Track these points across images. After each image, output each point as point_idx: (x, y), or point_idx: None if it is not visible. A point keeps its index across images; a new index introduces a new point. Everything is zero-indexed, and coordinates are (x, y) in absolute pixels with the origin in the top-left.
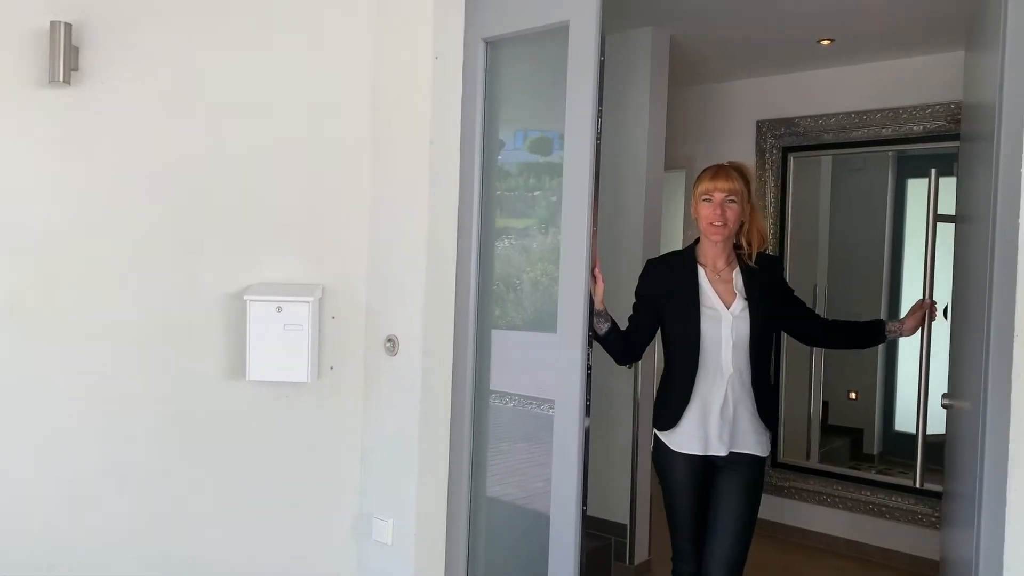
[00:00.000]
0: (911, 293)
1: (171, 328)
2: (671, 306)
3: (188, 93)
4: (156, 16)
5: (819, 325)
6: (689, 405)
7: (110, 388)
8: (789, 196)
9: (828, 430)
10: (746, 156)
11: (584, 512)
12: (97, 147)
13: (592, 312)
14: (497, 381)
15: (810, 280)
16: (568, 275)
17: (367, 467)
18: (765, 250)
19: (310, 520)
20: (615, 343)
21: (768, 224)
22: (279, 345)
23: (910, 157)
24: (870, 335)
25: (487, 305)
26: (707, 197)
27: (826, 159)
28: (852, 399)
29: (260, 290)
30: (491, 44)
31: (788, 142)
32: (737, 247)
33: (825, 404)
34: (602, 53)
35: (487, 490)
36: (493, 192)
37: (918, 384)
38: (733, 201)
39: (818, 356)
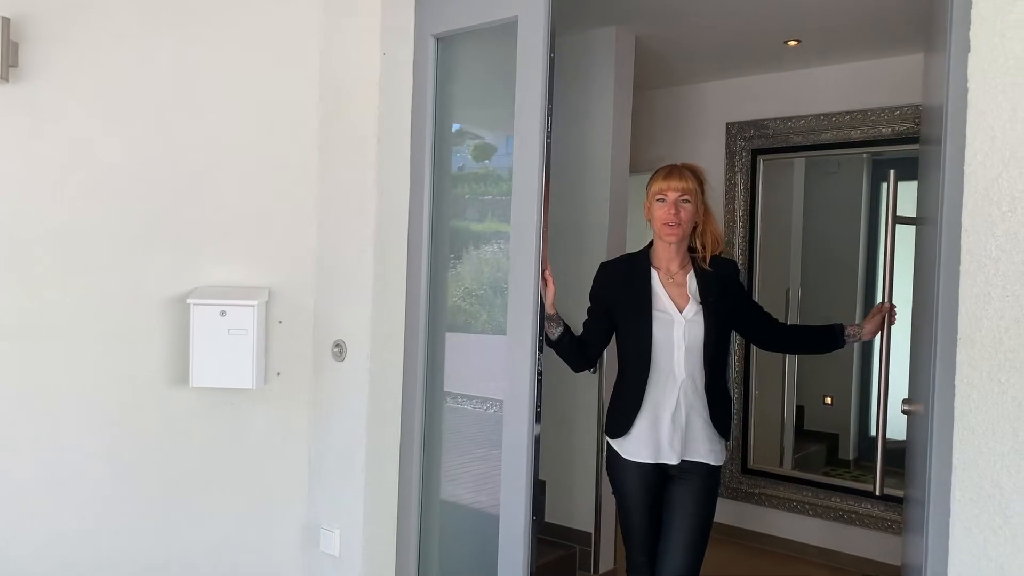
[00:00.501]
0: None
1: (113, 332)
2: (623, 309)
3: (132, 90)
4: (99, 11)
5: (776, 329)
6: (640, 411)
7: (48, 393)
8: (759, 199)
9: (804, 435)
10: (716, 159)
11: (536, 518)
12: (36, 145)
13: (543, 316)
14: (452, 383)
15: (782, 285)
16: (518, 277)
17: (315, 476)
18: (720, 253)
19: (257, 531)
20: (568, 348)
21: (738, 228)
22: (223, 350)
23: (885, 161)
24: (828, 340)
25: (440, 308)
26: (661, 197)
27: (799, 162)
28: (827, 404)
29: (204, 293)
30: (442, 40)
31: (758, 144)
32: (692, 250)
33: (800, 409)
34: (552, 50)
35: (442, 494)
36: (446, 192)
37: (877, 389)
38: (687, 201)
39: (791, 360)
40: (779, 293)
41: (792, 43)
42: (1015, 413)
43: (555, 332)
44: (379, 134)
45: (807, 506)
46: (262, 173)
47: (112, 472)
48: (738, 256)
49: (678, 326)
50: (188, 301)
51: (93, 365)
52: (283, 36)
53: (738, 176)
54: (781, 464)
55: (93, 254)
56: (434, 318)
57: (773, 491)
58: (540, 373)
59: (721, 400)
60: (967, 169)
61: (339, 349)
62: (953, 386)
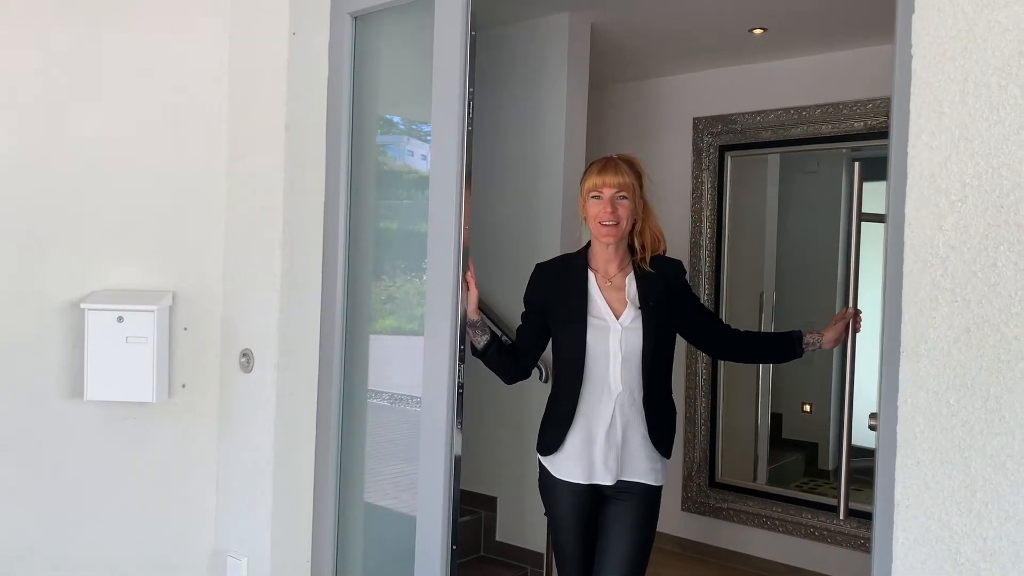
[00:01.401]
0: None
1: (3, 339)
2: (557, 315)
3: (28, 77)
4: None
5: (727, 336)
6: (572, 427)
7: None
8: (727, 198)
9: (781, 445)
10: (683, 155)
11: (456, 547)
12: None
13: (464, 323)
14: (382, 383)
15: (755, 288)
16: (436, 280)
17: (223, 499)
18: (663, 251)
19: (161, 560)
20: (497, 358)
21: (705, 228)
22: (121, 360)
23: (866, 159)
24: (785, 348)
25: (362, 310)
26: (596, 194)
27: (773, 158)
28: (806, 412)
29: (100, 297)
30: (360, 19)
31: (725, 140)
32: (632, 249)
33: (778, 417)
34: (474, 28)
35: (368, 502)
36: (368, 187)
37: (842, 403)
38: (624, 197)
39: (766, 366)
40: (752, 297)
41: (758, 31)
42: (966, 440)
43: (481, 341)
44: (288, 123)
45: (777, 522)
46: (168, 167)
47: (4, 494)
48: (705, 258)
49: (614, 334)
50: (82, 306)
51: None
52: (191, 18)
53: (705, 174)
54: (755, 476)
55: None
56: (355, 321)
57: (742, 506)
58: (461, 386)
59: (662, 415)
60: (911, 151)
61: (246, 359)
62: (896, 408)
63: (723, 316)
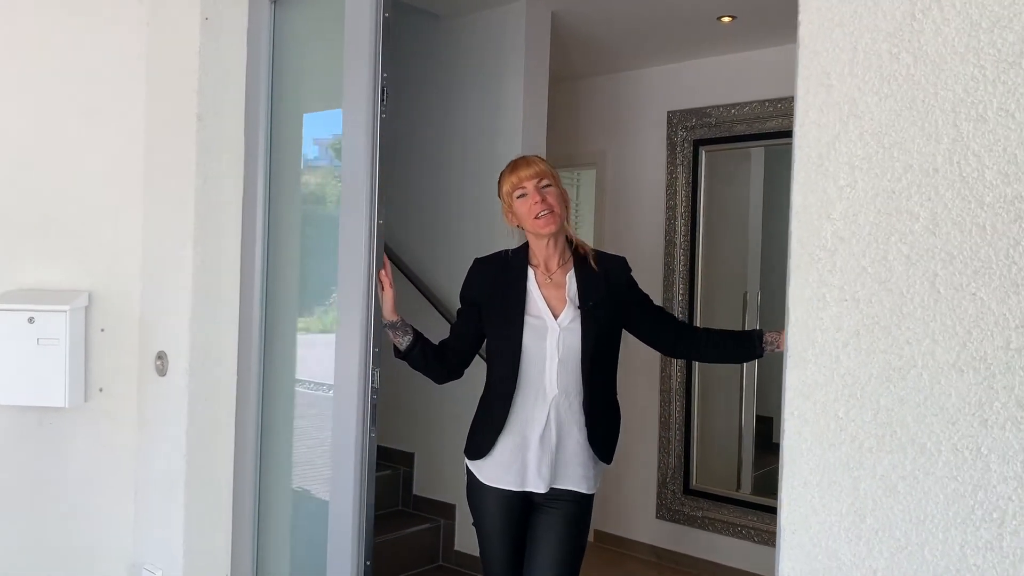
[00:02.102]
0: None
1: None
2: (493, 313)
3: None
4: None
5: (682, 334)
6: (504, 430)
7: None
8: (701, 194)
9: (771, 448)
10: (657, 150)
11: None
12: None
13: (378, 323)
14: (312, 375)
15: (738, 288)
16: (347, 275)
17: (140, 508)
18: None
19: (77, 571)
20: (421, 359)
21: (680, 225)
22: (32, 363)
23: None
24: (744, 347)
25: (287, 305)
26: (520, 191)
27: (757, 152)
28: None
29: (11, 298)
30: (278, 3)
31: (700, 134)
32: (571, 244)
33: (766, 420)
34: (387, 9)
35: (298, 500)
36: (290, 179)
37: None
38: (548, 185)
39: (751, 365)
40: (735, 296)
41: (726, 19)
42: (855, 458)
43: (403, 342)
44: (200, 112)
45: (753, 531)
46: (85, 160)
47: None
48: (679, 256)
49: (552, 334)
50: None
51: None
52: (106, 6)
53: (679, 169)
54: (739, 484)
55: None
56: (278, 319)
57: (717, 514)
58: (375, 390)
59: (604, 420)
60: (798, 130)
61: (161, 362)
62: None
63: (698, 316)
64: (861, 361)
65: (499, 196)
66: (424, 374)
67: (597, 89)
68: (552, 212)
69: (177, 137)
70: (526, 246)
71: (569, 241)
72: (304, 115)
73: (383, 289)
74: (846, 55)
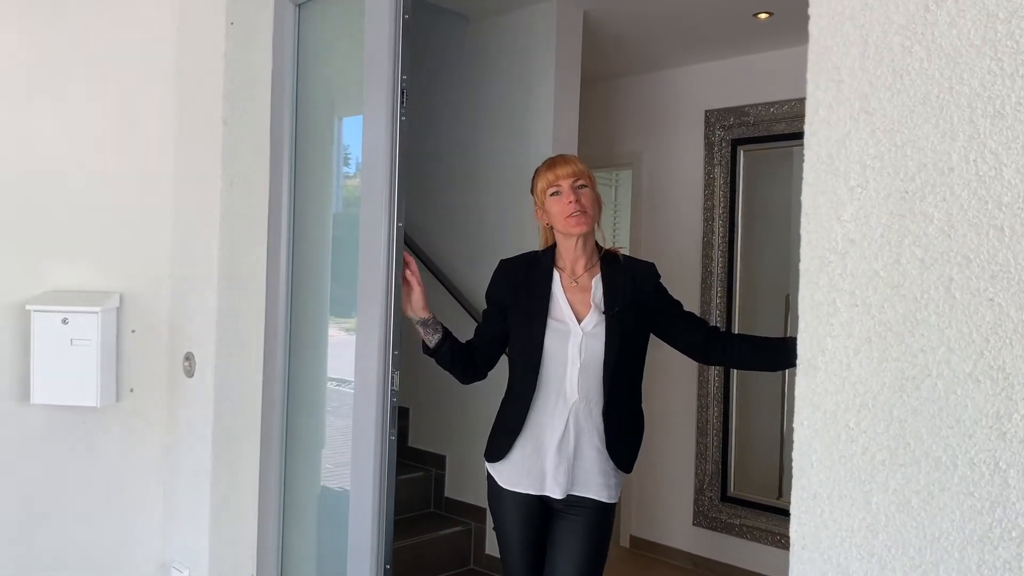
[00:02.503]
0: None
1: None
2: (516, 314)
3: None
4: None
5: (715, 340)
6: (521, 434)
7: None
8: (739, 195)
9: None
10: (696, 150)
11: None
12: None
13: (398, 323)
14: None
15: (780, 290)
16: (366, 277)
17: (169, 507)
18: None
19: (108, 569)
20: (450, 357)
21: (717, 226)
22: (66, 363)
23: None
24: (782, 355)
25: (313, 307)
26: (554, 189)
27: (799, 151)
28: None
29: (47, 299)
30: (303, 6)
31: (738, 134)
32: (610, 253)
33: None
34: (408, 11)
35: (327, 499)
36: (313, 181)
37: None
38: (584, 186)
39: (793, 370)
40: (776, 299)
41: (763, 15)
42: (867, 471)
43: (433, 339)
44: (225, 117)
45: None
46: (118, 164)
47: None
48: (717, 258)
49: (574, 339)
50: (27, 307)
51: None
52: (139, 10)
53: (717, 169)
54: (780, 492)
55: None
56: (303, 318)
57: (756, 522)
58: (395, 392)
59: (624, 428)
60: (808, 129)
61: (189, 363)
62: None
63: (737, 319)
64: (873, 369)
65: (532, 192)
66: (450, 372)
67: (633, 89)
68: (584, 213)
69: (204, 141)
70: (553, 248)
71: (598, 245)
72: (329, 118)
73: (410, 288)
74: (857, 49)
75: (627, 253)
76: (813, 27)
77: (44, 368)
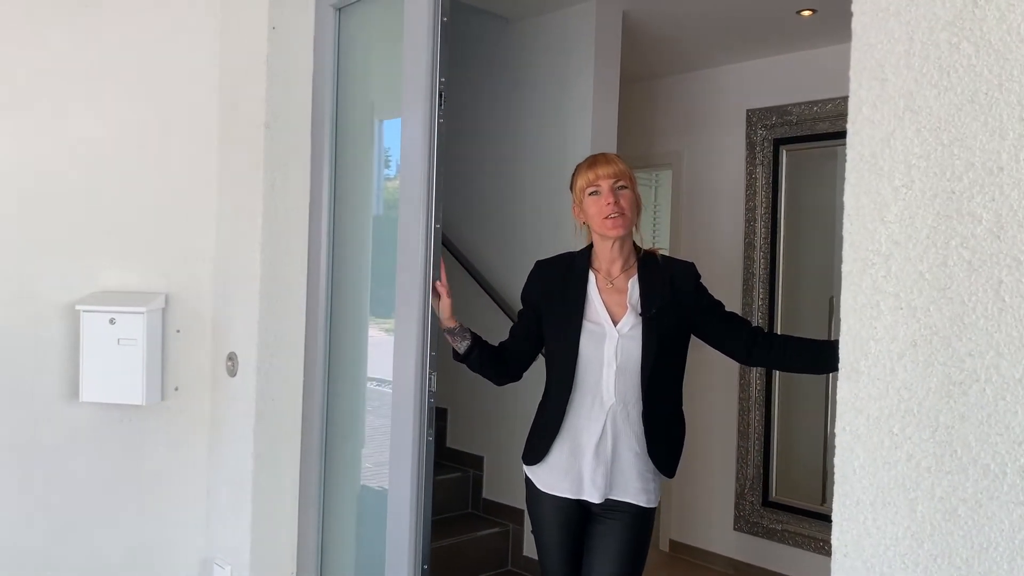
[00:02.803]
0: None
1: (5, 340)
2: (551, 316)
3: (25, 78)
4: None
5: (759, 341)
6: (558, 436)
7: None
8: (782, 195)
9: None
10: (736, 150)
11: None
12: None
13: (435, 323)
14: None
15: (824, 292)
16: (404, 278)
17: (212, 505)
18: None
19: (153, 565)
20: (481, 363)
21: (760, 227)
22: (113, 362)
23: None
24: (826, 357)
25: (354, 308)
26: (593, 189)
27: (843, 150)
28: None
29: (95, 299)
30: (343, 11)
31: (780, 133)
32: (648, 255)
33: None
34: (446, 13)
35: (367, 498)
36: (353, 183)
37: None
38: (624, 187)
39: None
40: (820, 301)
41: (806, 13)
42: (912, 479)
43: (462, 346)
44: (267, 120)
45: None
46: (162, 168)
47: (6, 495)
48: (759, 259)
49: (610, 341)
50: (77, 308)
51: None
52: (183, 17)
53: (759, 169)
54: (824, 496)
55: None
56: (342, 319)
57: (799, 528)
58: (432, 393)
59: (666, 432)
60: (851, 128)
61: (232, 363)
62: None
63: (779, 321)
64: (918, 374)
65: (571, 190)
66: (483, 376)
67: (673, 88)
68: (622, 215)
69: (246, 145)
70: (590, 249)
71: (636, 246)
72: (368, 121)
73: (439, 298)
74: (902, 46)
75: (666, 253)
76: (856, 24)
77: (92, 367)
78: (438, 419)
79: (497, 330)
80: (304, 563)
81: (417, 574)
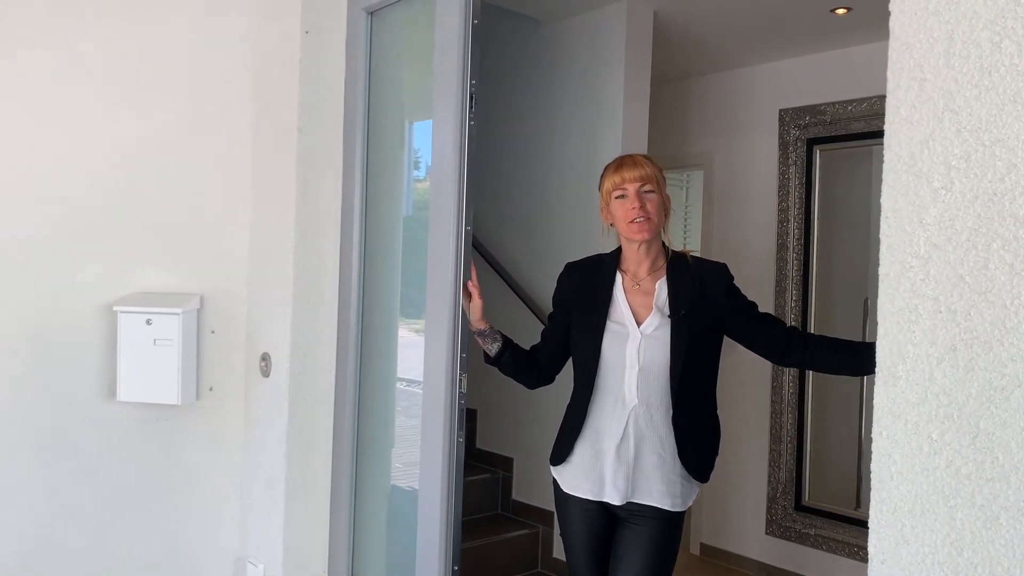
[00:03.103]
0: None
1: (45, 340)
2: (579, 317)
3: (68, 90)
4: (40, 9)
5: (792, 343)
6: (580, 437)
7: None
8: (815, 196)
9: None
10: (769, 150)
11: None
12: None
13: (465, 325)
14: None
15: (858, 294)
16: (435, 280)
17: (246, 504)
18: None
19: (188, 563)
20: (511, 365)
21: (792, 228)
22: (149, 362)
23: None
24: (862, 359)
25: (384, 310)
26: (620, 192)
27: (879, 151)
28: None
29: (132, 300)
30: (375, 15)
31: (814, 133)
32: (678, 256)
33: None
34: (477, 16)
35: (397, 500)
36: (384, 186)
37: None
38: (651, 191)
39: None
40: (854, 303)
41: (841, 11)
42: (952, 486)
43: (492, 348)
44: (300, 125)
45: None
46: (198, 170)
47: (42, 494)
48: (792, 260)
49: (632, 342)
50: (115, 308)
51: (26, 375)
52: (216, 23)
53: (792, 169)
54: (858, 501)
55: (28, 258)
56: (374, 321)
57: (833, 533)
58: (463, 395)
59: (697, 436)
60: (888, 129)
61: (265, 363)
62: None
63: (812, 322)
64: (958, 379)
65: (599, 189)
66: (515, 379)
67: (705, 88)
68: (648, 220)
69: (279, 148)
70: (619, 250)
71: (665, 247)
72: (400, 123)
73: (470, 299)
74: (941, 46)
75: (698, 255)
76: (894, 23)
77: (129, 367)
78: (468, 420)
79: (526, 332)
80: (335, 563)
81: (447, 575)
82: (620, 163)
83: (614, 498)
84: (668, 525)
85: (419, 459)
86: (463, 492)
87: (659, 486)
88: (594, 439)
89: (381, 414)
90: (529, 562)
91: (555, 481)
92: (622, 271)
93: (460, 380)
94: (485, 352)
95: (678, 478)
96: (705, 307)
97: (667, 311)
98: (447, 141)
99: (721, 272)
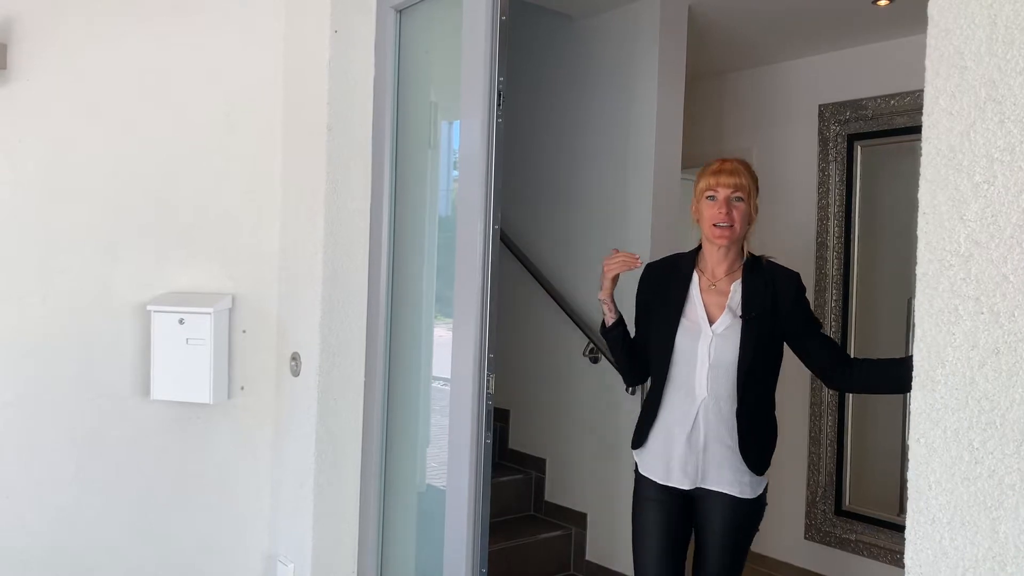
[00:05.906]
0: None
1: (81, 338)
2: (655, 313)
3: (109, 89)
4: (80, 9)
5: (838, 369)
6: (655, 424)
7: (8, 400)
8: (856, 193)
9: None
10: (808, 146)
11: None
12: (19, 149)
13: (493, 326)
14: (433, 370)
15: (902, 293)
16: (463, 278)
17: (276, 503)
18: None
19: (220, 560)
20: (621, 341)
21: (832, 226)
22: (182, 361)
23: None
24: (902, 380)
25: (415, 308)
26: (711, 194)
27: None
28: None
29: (166, 300)
30: (403, 12)
31: (854, 128)
32: (755, 259)
33: None
34: (505, 12)
35: (428, 499)
36: (413, 185)
37: None
38: (740, 199)
39: None
40: (898, 302)
41: (882, 2)
42: (994, 497)
43: (611, 317)
44: (329, 123)
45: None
46: (229, 171)
47: (79, 491)
48: (832, 259)
49: (704, 339)
50: (148, 308)
51: (62, 373)
52: (250, 19)
53: (832, 166)
54: (901, 506)
55: (67, 258)
56: (403, 320)
57: (874, 539)
58: (491, 395)
59: (756, 430)
60: (926, 120)
61: (295, 363)
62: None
63: (853, 323)
64: (1001, 384)
65: (694, 185)
66: (620, 363)
67: (742, 84)
68: (731, 227)
69: (309, 147)
70: (698, 250)
71: (743, 251)
72: (428, 122)
73: (629, 269)
74: (983, 32)
75: (774, 259)
76: (933, 8)
77: (162, 366)
78: (500, 420)
79: (555, 329)
80: (364, 562)
81: (477, 517)
82: (719, 167)
83: (683, 483)
84: (738, 510)
85: (446, 459)
86: (494, 492)
87: (728, 474)
88: (667, 427)
89: (412, 413)
90: (562, 563)
91: (636, 465)
92: (699, 270)
93: (488, 381)
94: (603, 322)
95: (744, 467)
96: (774, 312)
97: (739, 312)
98: (475, 139)
99: (793, 280)
